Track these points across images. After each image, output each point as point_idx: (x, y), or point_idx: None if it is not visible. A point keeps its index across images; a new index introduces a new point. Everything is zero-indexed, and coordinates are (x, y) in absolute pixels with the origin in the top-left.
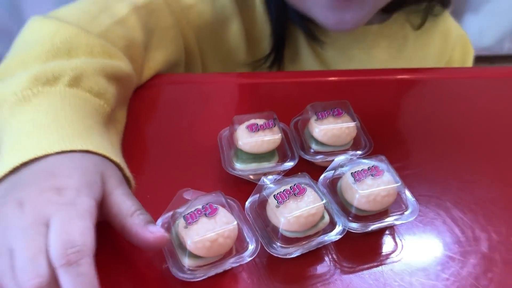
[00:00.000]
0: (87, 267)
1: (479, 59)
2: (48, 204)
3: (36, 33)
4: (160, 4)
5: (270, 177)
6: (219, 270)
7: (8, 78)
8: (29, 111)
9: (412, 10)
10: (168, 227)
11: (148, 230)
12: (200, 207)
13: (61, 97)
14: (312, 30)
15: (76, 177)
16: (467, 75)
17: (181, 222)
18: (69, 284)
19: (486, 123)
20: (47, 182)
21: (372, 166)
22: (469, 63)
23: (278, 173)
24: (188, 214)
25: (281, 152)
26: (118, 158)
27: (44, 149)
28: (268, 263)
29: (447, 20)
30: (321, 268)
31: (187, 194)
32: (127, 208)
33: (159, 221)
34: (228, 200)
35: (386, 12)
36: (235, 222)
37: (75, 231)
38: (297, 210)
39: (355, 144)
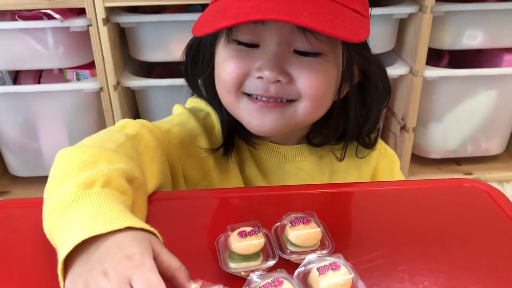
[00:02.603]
0: None
1: (446, 161)
2: (126, 269)
3: (68, 157)
4: (145, 133)
5: (256, 273)
6: None
7: (55, 191)
8: (78, 208)
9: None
10: None
11: (189, 285)
12: None
13: (98, 195)
14: (252, 141)
15: (136, 246)
16: (410, 186)
17: None
18: None
19: (424, 226)
20: (119, 254)
21: (332, 262)
22: (397, 171)
23: (263, 270)
24: None
25: (264, 252)
26: (150, 228)
27: (100, 230)
28: None
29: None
30: None
31: (198, 283)
32: (175, 263)
33: None
34: None
35: (313, 145)
36: None
37: (153, 281)
38: None
39: (321, 245)
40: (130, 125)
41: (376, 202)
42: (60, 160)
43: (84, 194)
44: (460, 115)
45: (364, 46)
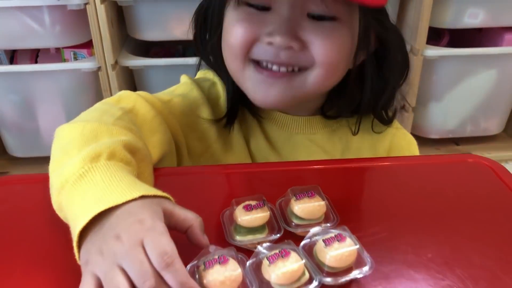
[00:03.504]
0: (179, 265)
1: (445, 141)
2: (138, 232)
3: (68, 133)
4: (142, 105)
5: (264, 245)
6: None
7: (61, 167)
8: (88, 182)
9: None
10: (194, 270)
11: (203, 237)
12: (216, 257)
13: (106, 168)
14: (259, 114)
15: (147, 211)
16: (413, 162)
17: (201, 267)
18: (171, 278)
19: (428, 200)
20: (130, 219)
21: (338, 234)
22: (415, 149)
23: (269, 242)
24: (207, 261)
25: (270, 226)
26: (162, 193)
27: (115, 202)
28: None
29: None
30: None
31: (212, 248)
32: (191, 215)
33: (189, 266)
34: (239, 255)
35: (326, 117)
36: (239, 270)
37: (164, 244)
38: (284, 267)
39: (326, 218)
40: (126, 97)
41: (379, 177)
42: (61, 137)
43: (91, 167)
44: (459, 94)
45: (382, 12)
